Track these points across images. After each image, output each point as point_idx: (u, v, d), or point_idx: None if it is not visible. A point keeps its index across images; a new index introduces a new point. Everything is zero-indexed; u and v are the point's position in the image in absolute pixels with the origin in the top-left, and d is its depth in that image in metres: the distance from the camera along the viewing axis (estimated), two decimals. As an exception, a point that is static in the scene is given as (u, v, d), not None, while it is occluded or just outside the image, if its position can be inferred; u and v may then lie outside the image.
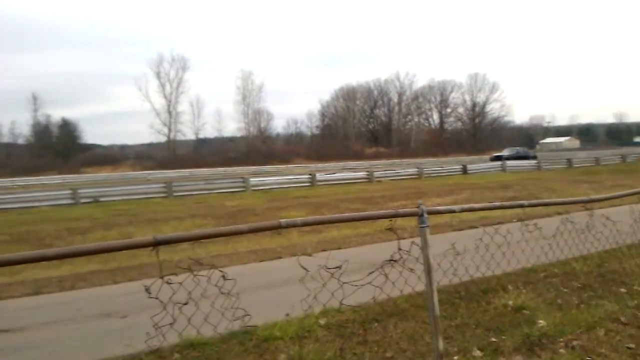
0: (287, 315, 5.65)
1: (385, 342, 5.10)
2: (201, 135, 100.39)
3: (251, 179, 32.07)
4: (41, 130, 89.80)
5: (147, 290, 2.69)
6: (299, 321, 5.60)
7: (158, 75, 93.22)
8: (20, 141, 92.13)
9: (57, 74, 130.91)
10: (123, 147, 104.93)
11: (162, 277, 2.76)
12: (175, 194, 28.12)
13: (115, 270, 9.63)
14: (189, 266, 2.90)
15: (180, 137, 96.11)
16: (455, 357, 4.60)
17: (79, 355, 5.19)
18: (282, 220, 3.13)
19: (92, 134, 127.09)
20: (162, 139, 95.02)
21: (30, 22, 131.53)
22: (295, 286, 4.28)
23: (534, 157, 58.27)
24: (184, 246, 11.54)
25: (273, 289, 7.89)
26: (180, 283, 2.94)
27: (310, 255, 4.02)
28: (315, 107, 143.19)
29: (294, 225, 3.25)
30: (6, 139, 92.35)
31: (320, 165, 69.29)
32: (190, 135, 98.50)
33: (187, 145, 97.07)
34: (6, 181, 53.11)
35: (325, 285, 3.78)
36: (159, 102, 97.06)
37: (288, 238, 12.37)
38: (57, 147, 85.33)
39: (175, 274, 2.87)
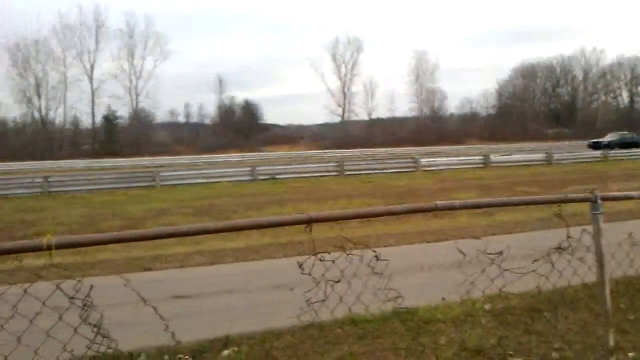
0: (443, 299, 5.54)
1: (552, 333, 4.83)
2: (374, 116, 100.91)
3: (421, 160, 31.80)
4: (225, 111, 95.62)
5: (300, 266, 2.75)
6: (461, 305, 5.47)
7: (334, 57, 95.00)
8: (207, 121, 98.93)
9: (241, 57, 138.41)
10: (300, 127, 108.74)
11: (315, 254, 2.80)
12: (346, 172, 28.65)
13: (286, 244, 10.03)
14: (341, 244, 2.92)
15: (353, 117, 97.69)
16: (630, 354, 4.24)
17: (246, 323, 5.48)
18: (439, 202, 3.03)
19: (272, 114, 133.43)
20: (336, 119, 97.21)
21: (218, 8, 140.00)
22: (456, 269, 4.16)
23: None
24: (354, 224, 11.80)
25: (435, 270, 7.79)
26: (333, 261, 2.97)
27: (478, 238, 3.89)
28: (491, 85, 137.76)
29: (452, 208, 3.14)
30: (195, 119, 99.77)
31: (495, 146, 66.78)
32: (363, 116, 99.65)
33: (360, 126, 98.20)
34: (193, 158, 57.56)
35: (484, 271, 3.64)
36: (334, 84, 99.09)
37: (458, 221, 12.15)
38: (239, 127, 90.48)
39: (328, 252, 2.90)
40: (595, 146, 47.97)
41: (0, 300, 3.28)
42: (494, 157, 33.86)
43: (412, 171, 29.75)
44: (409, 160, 32.44)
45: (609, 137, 51.75)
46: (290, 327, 5.13)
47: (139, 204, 18.29)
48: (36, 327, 2.91)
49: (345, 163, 30.24)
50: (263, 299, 6.59)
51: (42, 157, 60.87)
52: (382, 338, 4.95)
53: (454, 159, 34.51)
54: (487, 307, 5.53)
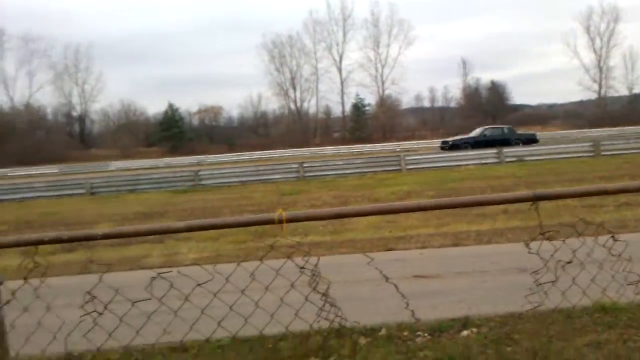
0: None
1: None
2: (635, 90, 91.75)
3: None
4: (471, 93, 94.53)
5: (527, 245, 2.69)
6: None
7: (587, 29, 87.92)
8: (452, 104, 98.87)
9: (485, 38, 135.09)
10: (552, 106, 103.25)
11: (542, 234, 2.72)
12: (603, 153, 26.52)
13: (535, 227, 9.63)
14: (572, 224, 2.79)
15: (611, 93, 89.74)
16: None
17: (485, 305, 5.45)
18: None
19: (521, 94, 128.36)
20: (592, 96, 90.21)
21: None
22: None
23: (530, 141, 35.86)
24: (610, 207, 11.04)
25: None
26: (563, 240, 2.85)
27: None
28: None
29: None
30: (440, 103, 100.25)
31: None
32: (623, 91, 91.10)
33: (620, 102, 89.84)
34: (437, 142, 57.99)
35: None
36: (588, 58, 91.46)
37: None
38: (486, 109, 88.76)
39: (557, 231, 2.79)
40: (444, 146, 38.32)
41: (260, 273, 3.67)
42: None
43: (685, 149, 26.57)
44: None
45: (473, 133, 40.03)
46: (533, 311, 4.98)
47: (386, 186, 18.94)
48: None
49: (602, 142, 28.00)
50: (504, 282, 6.46)
51: (298, 145, 65.93)
52: (636, 328, 4.58)
53: None
54: None
